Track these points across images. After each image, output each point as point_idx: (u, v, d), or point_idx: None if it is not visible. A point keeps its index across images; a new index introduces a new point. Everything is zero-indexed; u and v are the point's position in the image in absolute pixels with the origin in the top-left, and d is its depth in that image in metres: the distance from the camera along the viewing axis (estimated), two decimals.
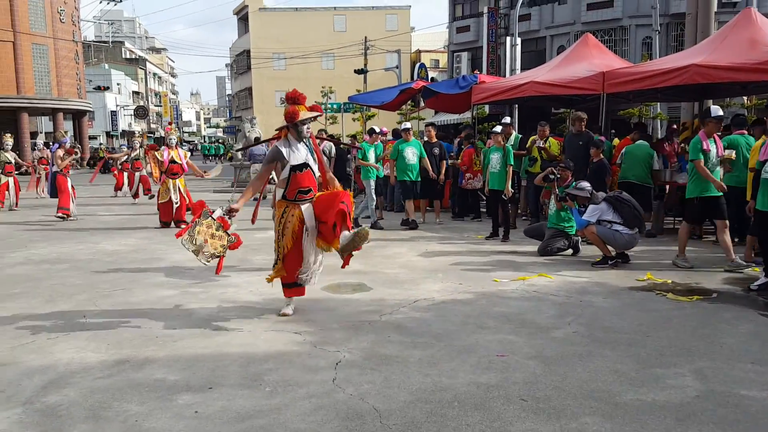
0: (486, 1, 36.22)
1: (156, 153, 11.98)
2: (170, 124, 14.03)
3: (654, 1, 19.21)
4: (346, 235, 5.22)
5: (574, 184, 8.44)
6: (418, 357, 4.53)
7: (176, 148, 11.64)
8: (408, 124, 11.73)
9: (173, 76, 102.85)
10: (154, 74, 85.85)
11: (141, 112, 67.82)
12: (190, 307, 5.98)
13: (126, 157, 17.91)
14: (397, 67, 35.02)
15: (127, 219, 13.17)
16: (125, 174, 17.76)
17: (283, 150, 5.39)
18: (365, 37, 39.01)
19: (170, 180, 11.38)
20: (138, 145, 17.63)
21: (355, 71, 34.35)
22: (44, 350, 4.72)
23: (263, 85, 52.56)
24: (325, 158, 6.19)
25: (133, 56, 78.77)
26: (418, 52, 51.97)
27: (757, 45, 9.46)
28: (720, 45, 10.03)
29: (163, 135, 69.63)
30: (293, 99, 5.42)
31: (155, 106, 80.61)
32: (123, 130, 65.98)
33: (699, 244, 9.30)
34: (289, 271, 5.55)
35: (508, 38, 22.04)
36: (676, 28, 28.31)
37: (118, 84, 68.94)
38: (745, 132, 8.95)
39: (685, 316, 5.57)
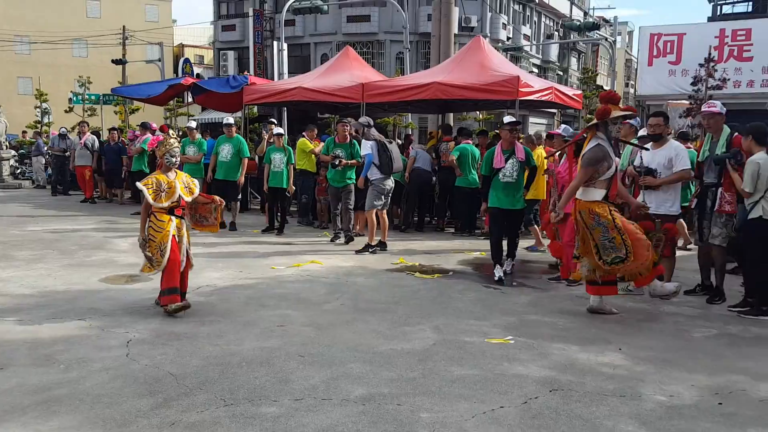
0: (251, 2, 36.69)
1: None
2: None
3: (404, 21, 21.41)
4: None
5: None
6: (206, 332, 5.02)
7: None
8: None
9: None
10: None
11: None
12: None
13: None
14: (159, 60, 33.81)
15: None
16: None
17: (609, 150, 5.41)
18: (123, 27, 36.92)
19: None
20: None
21: (113, 61, 32.41)
22: None
23: (3, 69, 46.48)
24: None
25: None
26: (182, 46, 50.38)
27: (486, 69, 11.41)
28: (457, 66, 11.87)
29: None
30: (608, 99, 5.60)
31: None
32: None
33: (441, 235, 10.94)
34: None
35: (275, 43, 22.80)
36: (425, 46, 31.65)
37: None
38: (470, 141, 10.76)
39: (428, 289, 6.80)
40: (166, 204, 5.45)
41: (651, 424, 3.52)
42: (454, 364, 4.42)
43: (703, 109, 6.77)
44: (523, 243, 8.96)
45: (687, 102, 12.95)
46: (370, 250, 8.86)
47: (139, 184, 5.52)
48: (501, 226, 7.43)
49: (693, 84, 12.25)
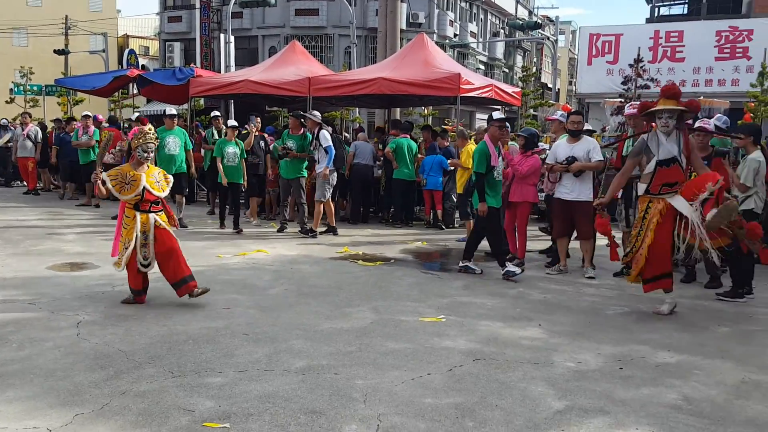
0: None
1: None
2: None
3: (351, 17, 21.69)
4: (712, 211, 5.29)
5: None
6: (154, 314, 5.26)
7: None
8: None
9: None
10: None
11: None
12: None
13: None
14: (103, 51, 33.13)
15: None
16: None
17: (650, 144, 5.46)
18: (66, 16, 36.00)
19: None
20: None
21: (56, 51, 31.61)
22: None
23: None
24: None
25: None
26: (126, 36, 49.31)
27: (429, 66, 11.84)
28: (401, 63, 12.26)
29: None
30: (665, 92, 5.48)
31: None
32: None
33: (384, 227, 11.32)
34: (654, 264, 5.47)
35: (222, 35, 22.71)
36: (373, 41, 31.89)
37: None
38: (407, 135, 11.13)
39: (370, 275, 7.16)
40: (129, 197, 5.42)
41: (558, 385, 3.97)
42: (389, 339, 4.80)
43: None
44: (457, 235, 9.41)
45: (619, 100, 13.69)
46: (311, 234, 9.40)
47: (104, 175, 5.44)
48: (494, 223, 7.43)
49: (623, 83, 12.97)
